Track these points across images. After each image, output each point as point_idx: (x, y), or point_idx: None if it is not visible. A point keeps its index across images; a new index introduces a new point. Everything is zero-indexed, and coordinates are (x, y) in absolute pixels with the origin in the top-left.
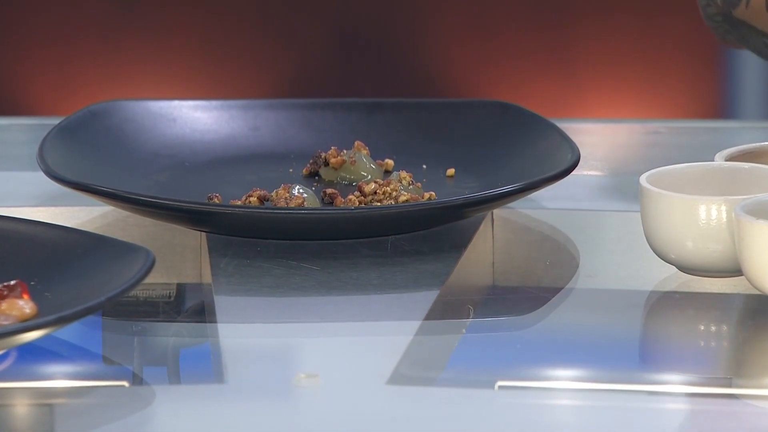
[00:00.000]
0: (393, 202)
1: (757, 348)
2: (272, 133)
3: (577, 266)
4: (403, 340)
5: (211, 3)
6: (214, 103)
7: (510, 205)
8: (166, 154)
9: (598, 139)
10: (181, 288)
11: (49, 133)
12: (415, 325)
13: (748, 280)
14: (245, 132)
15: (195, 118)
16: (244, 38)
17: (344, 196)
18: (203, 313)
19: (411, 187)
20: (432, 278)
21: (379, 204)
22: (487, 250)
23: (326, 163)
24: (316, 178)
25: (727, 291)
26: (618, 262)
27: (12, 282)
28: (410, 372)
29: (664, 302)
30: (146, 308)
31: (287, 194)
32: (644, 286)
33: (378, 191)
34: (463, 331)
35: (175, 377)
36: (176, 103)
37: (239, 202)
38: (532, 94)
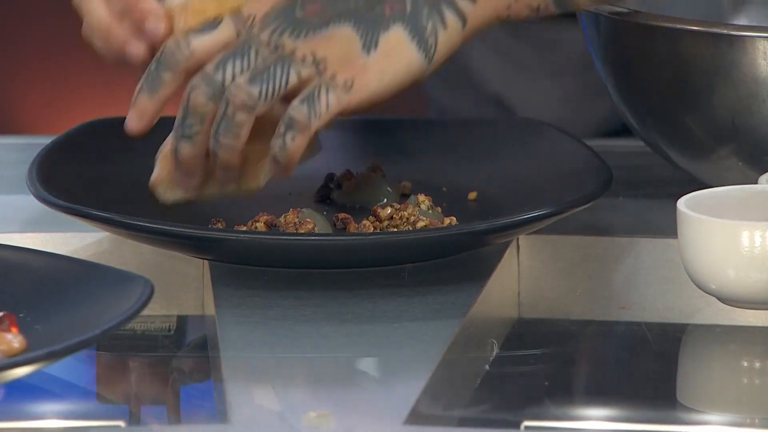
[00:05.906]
0: (411, 228)
1: None
2: None
3: (609, 297)
4: (421, 376)
5: None
6: None
7: (537, 231)
8: None
9: (632, 160)
10: (182, 320)
11: (39, 153)
12: (434, 359)
13: None
14: None
15: None
16: None
17: (358, 221)
18: (206, 347)
19: (430, 211)
20: (453, 309)
21: (395, 230)
22: (512, 280)
23: (339, 186)
24: (328, 201)
25: None
26: (654, 292)
27: None
28: (429, 411)
29: (704, 336)
30: (144, 342)
31: (296, 219)
32: (682, 318)
33: (394, 216)
34: (487, 366)
35: (175, 416)
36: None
37: (245, 228)
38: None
